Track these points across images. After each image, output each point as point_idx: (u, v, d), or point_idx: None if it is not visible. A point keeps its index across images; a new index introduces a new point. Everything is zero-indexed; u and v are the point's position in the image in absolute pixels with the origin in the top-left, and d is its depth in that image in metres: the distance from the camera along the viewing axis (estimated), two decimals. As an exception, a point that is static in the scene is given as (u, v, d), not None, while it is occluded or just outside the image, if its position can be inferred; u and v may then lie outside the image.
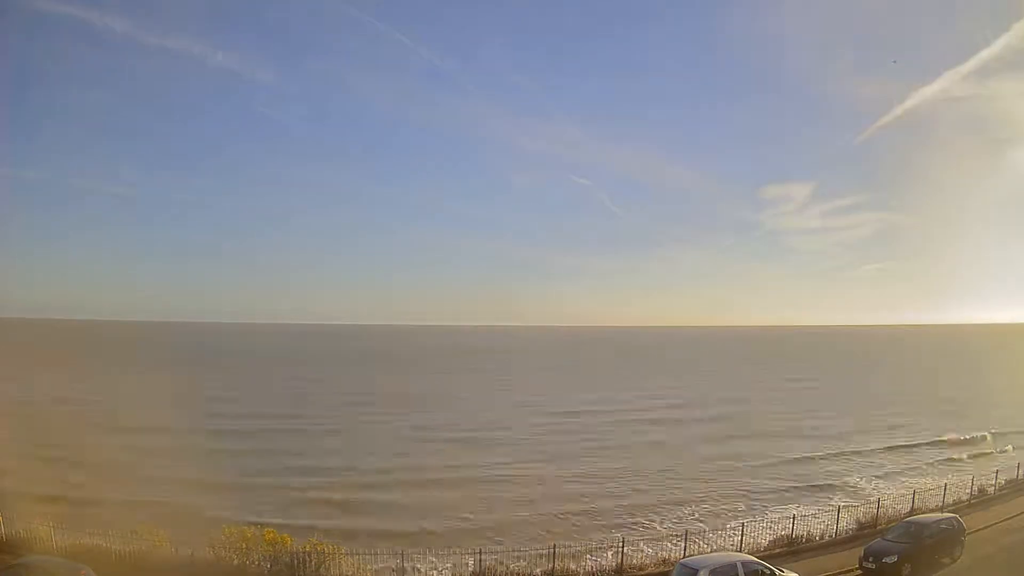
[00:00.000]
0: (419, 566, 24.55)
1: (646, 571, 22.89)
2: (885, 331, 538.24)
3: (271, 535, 21.40)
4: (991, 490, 32.37)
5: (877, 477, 42.59)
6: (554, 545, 22.95)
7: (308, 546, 21.21)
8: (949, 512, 26.04)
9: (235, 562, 20.79)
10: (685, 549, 23.72)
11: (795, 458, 48.07)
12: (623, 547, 23.11)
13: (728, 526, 29.33)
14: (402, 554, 23.44)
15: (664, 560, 23.39)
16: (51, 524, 21.90)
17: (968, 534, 23.67)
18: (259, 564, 20.72)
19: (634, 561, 23.30)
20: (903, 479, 41.58)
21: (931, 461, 47.72)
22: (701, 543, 26.26)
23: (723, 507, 35.31)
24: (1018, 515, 28.14)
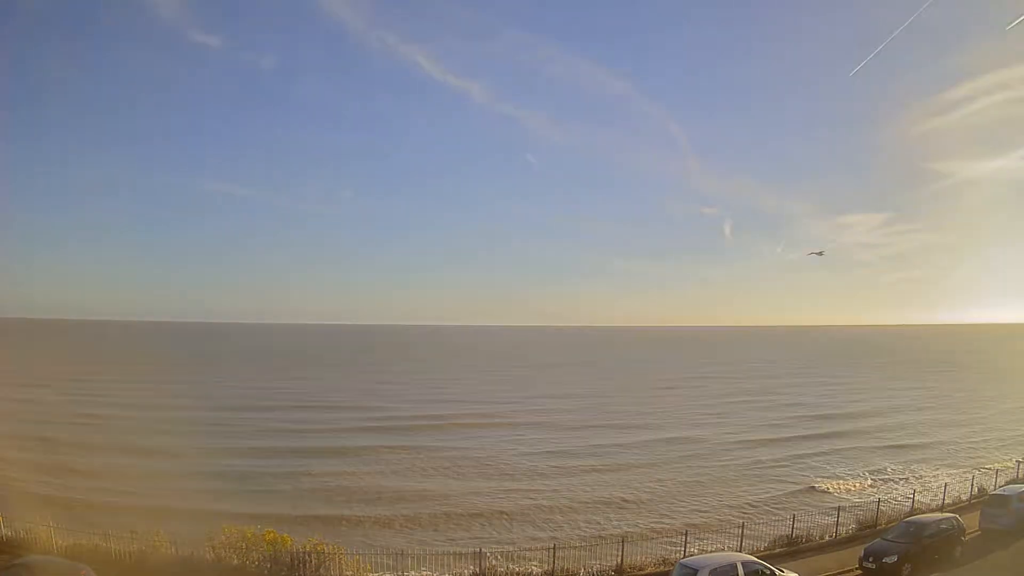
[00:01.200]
0: (418, 565, 24.53)
1: (646, 571, 22.88)
2: (895, 330, 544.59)
3: (271, 535, 21.32)
4: (992, 489, 32.31)
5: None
6: (555, 545, 22.95)
7: (308, 546, 21.15)
8: (949, 512, 26.04)
9: (235, 562, 20.71)
10: (685, 549, 23.71)
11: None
12: (623, 546, 23.12)
13: (728, 526, 29.32)
14: (402, 553, 23.49)
15: (664, 560, 23.37)
16: (51, 524, 21.87)
17: (968, 534, 23.69)
18: (259, 564, 20.68)
19: (634, 561, 23.31)
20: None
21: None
22: (701, 543, 26.28)
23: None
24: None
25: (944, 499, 30.38)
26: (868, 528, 26.60)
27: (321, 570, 20.75)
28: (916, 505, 29.40)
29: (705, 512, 34.39)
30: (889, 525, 25.42)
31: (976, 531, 24.85)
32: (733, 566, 18.37)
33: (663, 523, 32.45)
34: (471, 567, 22.63)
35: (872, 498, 33.14)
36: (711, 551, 23.80)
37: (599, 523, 32.53)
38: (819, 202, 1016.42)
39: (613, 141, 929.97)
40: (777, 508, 34.39)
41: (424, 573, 24.23)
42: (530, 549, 25.02)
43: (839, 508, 28.20)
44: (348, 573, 21.21)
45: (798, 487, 39.70)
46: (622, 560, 22.76)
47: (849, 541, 25.43)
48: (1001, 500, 25.33)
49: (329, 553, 21.12)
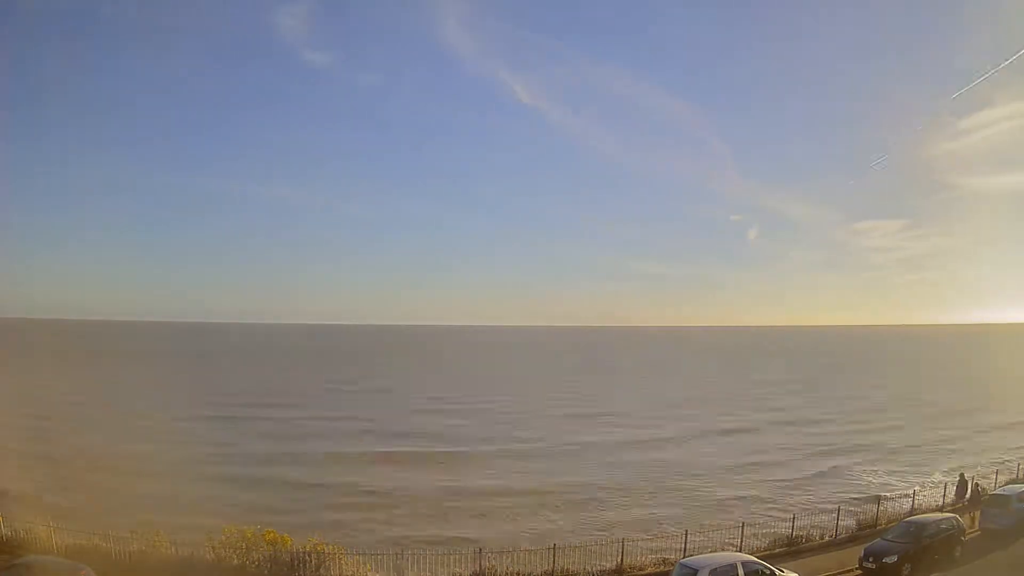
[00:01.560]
0: (419, 565, 24.49)
1: (646, 571, 22.88)
2: (911, 331, 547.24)
3: (271, 535, 21.32)
4: (992, 489, 32.28)
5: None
6: (554, 545, 22.93)
7: (308, 546, 21.13)
8: (949, 512, 26.03)
9: (235, 562, 20.69)
10: (685, 549, 23.68)
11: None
12: (623, 546, 23.09)
13: (728, 526, 29.27)
14: (402, 553, 23.44)
15: (664, 560, 23.36)
16: (51, 524, 21.85)
17: (968, 534, 23.70)
18: (259, 564, 20.67)
19: (634, 560, 23.30)
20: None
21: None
22: (701, 543, 26.23)
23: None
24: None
25: (944, 499, 30.35)
26: (868, 528, 26.60)
27: (321, 570, 20.74)
28: (916, 505, 29.37)
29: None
30: (889, 525, 25.39)
31: (976, 531, 24.86)
32: (733, 566, 18.37)
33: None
34: (471, 566, 22.59)
35: (872, 498, 33.10)
36: (711, 551, 23.77)
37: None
38: (837, 209, 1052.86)
39: (634, 142, 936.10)
40: (777, 508, 34.40)
41: (424, 573, 24.22)
42: (530, 548, 24.91)
43: (839, 508, 28.19)
44: (348, 573, 21.20)
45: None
46: (622, 560, 22.77)
47: (849, 541, 25.43)
48: (1001, 500, 25.32)
49: (329, 553, 21.10)
